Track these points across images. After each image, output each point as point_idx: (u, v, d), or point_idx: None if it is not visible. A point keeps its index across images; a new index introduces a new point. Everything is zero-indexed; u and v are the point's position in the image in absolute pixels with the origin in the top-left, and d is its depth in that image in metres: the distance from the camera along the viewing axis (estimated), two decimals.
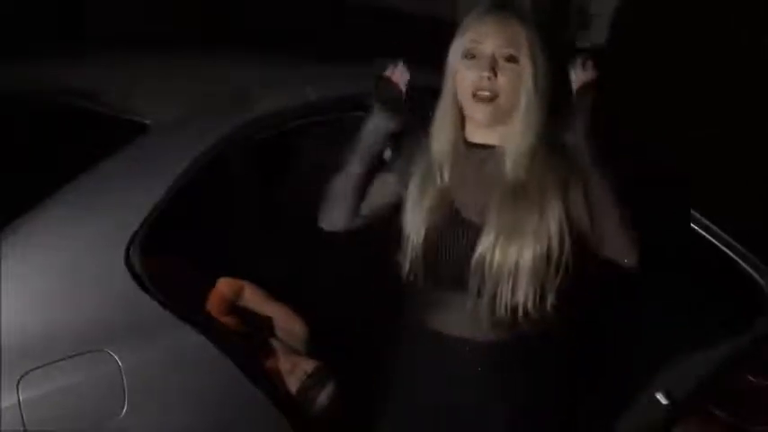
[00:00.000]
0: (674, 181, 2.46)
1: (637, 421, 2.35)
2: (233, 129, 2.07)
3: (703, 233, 2.34)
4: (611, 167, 1.73)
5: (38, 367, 1.71)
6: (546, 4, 4.51)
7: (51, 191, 1.86)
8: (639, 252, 1.75)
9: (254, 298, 2.48)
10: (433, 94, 1.81)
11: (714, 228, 2.34)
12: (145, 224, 1.87)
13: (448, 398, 1.86)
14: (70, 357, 1.74)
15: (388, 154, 1.92)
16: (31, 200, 1.84)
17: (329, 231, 1.93)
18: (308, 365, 2.32)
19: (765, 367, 2.36)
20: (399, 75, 1.79)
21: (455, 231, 1.77)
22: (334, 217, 1.89)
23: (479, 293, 1.74)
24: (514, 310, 1.73)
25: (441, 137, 1.79)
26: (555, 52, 1.74)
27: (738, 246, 2.33)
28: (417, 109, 1.80)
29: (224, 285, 2.45)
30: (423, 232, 1.76)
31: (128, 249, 1.84)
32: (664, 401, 2.29)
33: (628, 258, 1.76)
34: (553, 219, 1.73)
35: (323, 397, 2.30)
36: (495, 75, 1.70)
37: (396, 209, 1.84)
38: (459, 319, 1.79)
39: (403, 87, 1.78)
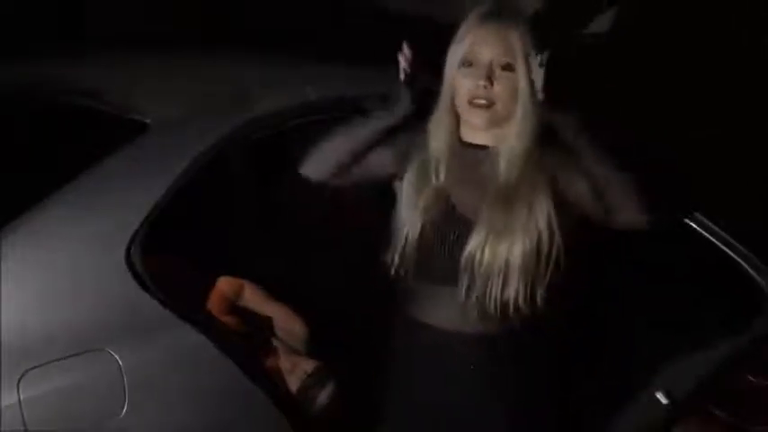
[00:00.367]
0: (674, 180, 2.46)
1: (637, 421, 2.35)
2: (233, 128, 2.08)
3: (703, 232, 2.34)
4: (599, 138, 1.74)
5: (38, 366, 1.71)
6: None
7: (51, 191, 1.86)
8: (652, 212, 1.75)
9: (254, 297, 2.48)
10: (431, 94, 1.83)
11: (714, 227, 2.34)
12: (145, 223, 1.88)
13: (444, 395, 1.89)
14: (70, 356, 1.75)
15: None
16: (31, 200, 1.84)
17: (310, 180, 1.94)
18: (307, 365, 2.32)
19: (765, 367, 2.36)
20: (408, 57, 1.79)
21: (449, 228, 1.80)
22: (320, 168, 1.91)
23: (469, 290, 1.78)
24: (505, 305, 1.76)
25: (438, 137, 1.83)
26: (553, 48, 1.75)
27: (738, 245, 2.32)
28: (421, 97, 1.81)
29: (224, 285, 2.45)
30: (419, 228, 1.80)
31: (128, 249, 1.84)
32: (664, 401, 2.29)
33: (642, 220, 1.76)
34: (541, 213, 1.76)
35: (323, 397, 2.31)
36: (492, 83, 1.74)
37: (378, 184, 1.89)
38: (449, 314, 1.83)
39: (408, 68, 1.78)
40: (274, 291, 2.53)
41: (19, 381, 1.69)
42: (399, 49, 1.77)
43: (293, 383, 2.29)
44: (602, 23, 4.70)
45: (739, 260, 2.32)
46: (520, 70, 1.74)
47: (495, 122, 1.78)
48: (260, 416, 2.04)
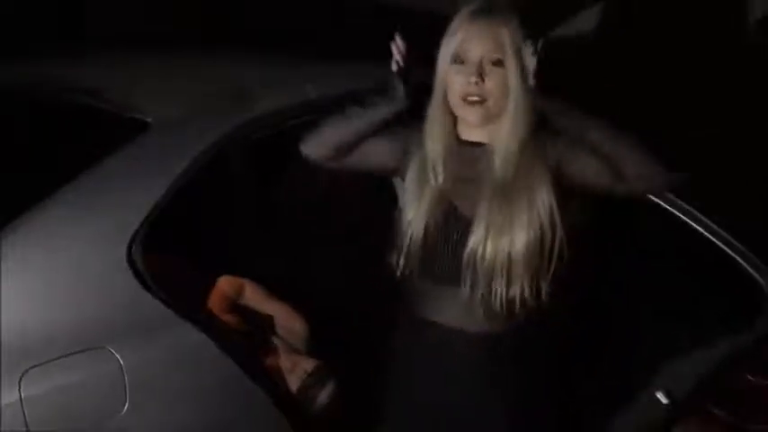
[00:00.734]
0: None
1: (637, 420, 2.35)
2: (233, 128, 2.08)
3: (703, 232, 2.35)
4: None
5: (39, 365, 1.71)
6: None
7: (51, 190, 1.86)
8: (667, 171, 1.73)
9: (254, 296, 2.48)
10: (427, 90, 1.84)
11: (714, 226, 2.34)
12: (146, 223, 1.88)
13: (445, 394, 1.89)
14: (71, 355, 1.75)
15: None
16: (32, 199, 1.84)
17: (309, 158, 1.94)
18: (308, 364, 2.32)
19: (765, 367, 2.36)
20: (401, 49, 1.80)
21: (451, 227, 1.81)
22: (318, 149, 1.92)
23: (473, 287, 1.78)
24: (510, 302, 1.77)
25: (434, 136, 1.84)
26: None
27: (739, 245, 2.33)
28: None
29: (225, 284, 2.45)
30: (422, 229, 1.80)
31: (129, 248, 1.84)
32: (664, 401, 2.29)
33: (659, 179, 1.75)
34: (542, 206, 1.76)
35: (323, 396, 2.31)
36: (483, 80, 1.75)
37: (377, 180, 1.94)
38: (455, 312, 1.84)
39: (401, 61, 1.79)
40: (275, 290, 2.53)
41: (20, 379, 1.69)
42: (392, 40, 1.79)
43: (293, 383, 2.29)
44: (589, 21, 4.70)
45: (739, 260, 2.32)
46: (510, 66, 1.75)
47: (489, 118, 1.79)
48: (260, 415, 2.04)
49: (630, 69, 4.23)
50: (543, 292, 1.79)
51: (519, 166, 1.78)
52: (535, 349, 1.88)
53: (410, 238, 1.82)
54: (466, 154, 1.84)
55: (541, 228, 1.76)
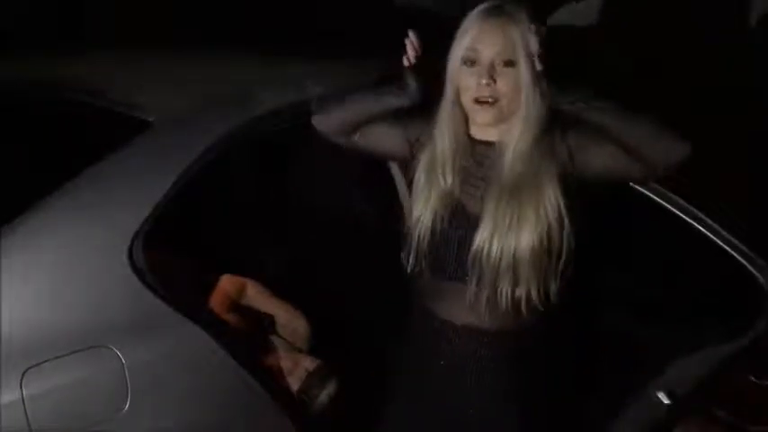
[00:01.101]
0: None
1: (638, 421, 2.35)
2: (235, 126, 2.08)
3: (704, 231, 2.35)
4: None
5: (41, 363, 1.71)
6: None
7: (52, 188, 1.86)
8: (686, 145, 1.72)
9: (256, 295, 2.48)
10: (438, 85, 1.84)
11: (715, 226, 2.34)
12: (147, 221, 1.88)
13: (452, 392, 1.89)
14: (73, 353, 1.75)
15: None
16: (32, 198, 1.84)
17: (318, 130, 1.95)
18: (309, 364, 2.32)
19: (766, 367, 2.36)
20: (415, 45, 1.79)
21: (459, 225, 1.81)
22: (330, 122, 1.92)
23: (479, 286, 1.79)
24: (516, 301, 1.77)
25: (444, 134, 1.84)
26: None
27: (740, 245, 2.32)
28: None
29: (227, 283, 2.45)
30: (430, 225, 1.81)
31: (131, 246, 1.84)
32: (665, 401, 2.29)
33: (680, 152, 1.72)
34: (550, 206, 1.76)
35: (324, 396, 2.31)
36: (495, 80, 1.75)
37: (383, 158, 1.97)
38: (462, 309, 1.84)
39: (414, 56, 1.79)
40: (276, 289, 2.53)
41: (22, 378, 1.69)
42: (402, 43, 1.78)
43: (294, 382, 2.29)
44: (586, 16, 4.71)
45: (741, 259, 2.32)
46: (522, 65, 1.75)
47: (501, 118, 1.79)
48: (261, 413, 2.04)
49: (630, 65, 4.23)
50: (552, 294, 1.79)
51: (528, 166, 1.78)
52: (540, 348, 1.89)
53: (418, 235, 1.82)
54: (476, 152, 1.85)
55: (549, 228, 1.76)
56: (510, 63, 1.75)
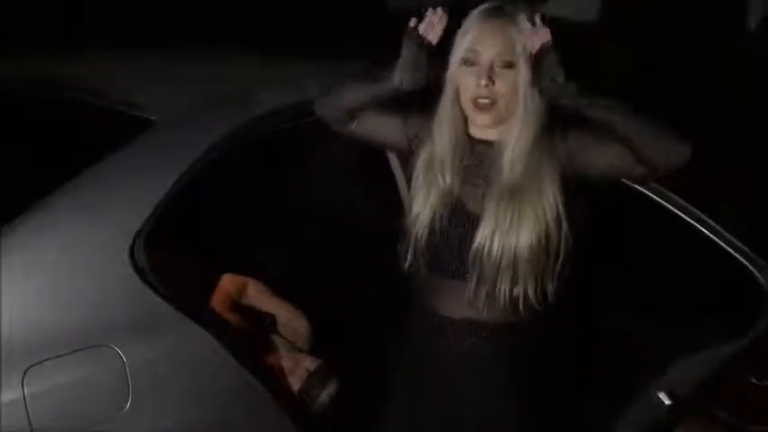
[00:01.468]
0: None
1: (639, 422, 2.35)
2: (237, 126, 2.08)
3: (704, 231, 2.35)
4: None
5: (42, 362, 1.71)
6: None
7: (53, 188, 1.86)
8: (687, 147, 1.71)
9: (257, 295, 2.48)
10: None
11: (716, 226, 2.34)
12: (149, 221, 1.88)
13: (450, 393, 1.90)
14: (74, 352, 1.75)
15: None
16: (33, 197, 1.84)
17: (321, 117, 1.98)
18: (310, 364, 2.32)
19: (766, 368, 2.36)
20: (434, 23, 1.79)
21: (459, 223, 1.82)
22: (332, 110, 1.95)
23: (479, 284, 1.80)
24: (515, 299, 1.78)
25: (443, 133, 1.85)
26: None
27: (739, 244, 2.33)
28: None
29: (228, 282, 2.45)
30: (428, 223, 1.82)
31: (132, 245, 1.84)
32: (666, 402, 2.29)
33: (681, 154, 1.71)
34: (549, 206, 1.77)
35: (325, 395, 2.30)
36: (493, 82, 1.76)
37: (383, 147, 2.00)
38: (462, 306, 1.85)
39: (436, 37, 1.79)
40: (277, 289, 2.53)
41: (23, 376, 1.69)
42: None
43: (295, 382, 2.28)
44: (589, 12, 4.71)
45: (741, 259, 2.32)
46: (520, 66, 1.76)
47: (500, 119, 1.80)
48: (262, 413, 2.04)
49: (630, 64, 4.23)
50: (549, 293, 1.80)
51: (528, 166, 1.78)
52: (540, 345, 1.89)
53: (416, 232, 1.83)
54: (475, 151, 1.86)
55: (548, 228, 1.77)
56: (509, 64, 1.76)
